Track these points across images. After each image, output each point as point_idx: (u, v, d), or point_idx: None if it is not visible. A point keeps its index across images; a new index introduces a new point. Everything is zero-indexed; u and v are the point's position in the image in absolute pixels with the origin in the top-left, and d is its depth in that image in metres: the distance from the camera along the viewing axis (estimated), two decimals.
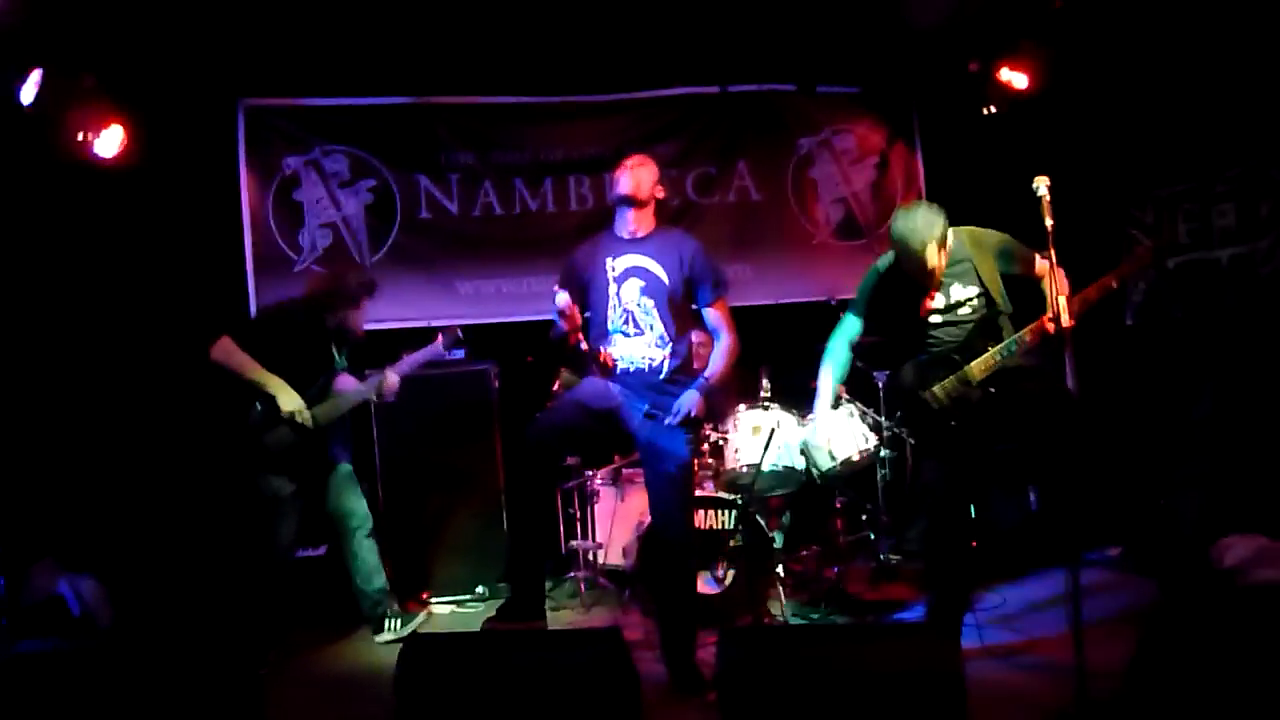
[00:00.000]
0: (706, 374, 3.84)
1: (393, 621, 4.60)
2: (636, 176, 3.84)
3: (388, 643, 4.54)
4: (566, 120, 6.14)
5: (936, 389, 3.76)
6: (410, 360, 4.58)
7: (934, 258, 3.61)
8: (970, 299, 3.73)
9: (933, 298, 3.78)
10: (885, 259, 3.89)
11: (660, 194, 3.94)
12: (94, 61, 4.92)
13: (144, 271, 5.43)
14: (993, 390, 3.69)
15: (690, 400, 3.75)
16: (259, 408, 4.42)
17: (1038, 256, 3.62)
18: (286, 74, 5.69)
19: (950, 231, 3.67)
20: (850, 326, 4.00)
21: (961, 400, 3.72)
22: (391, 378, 4.53)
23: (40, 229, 5.19)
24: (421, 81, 5.90)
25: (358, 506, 4.62)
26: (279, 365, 4.41)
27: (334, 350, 4.61)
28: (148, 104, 5.28)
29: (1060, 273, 3.33)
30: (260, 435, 4.41)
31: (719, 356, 3.89)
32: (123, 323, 5.38)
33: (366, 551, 4.60)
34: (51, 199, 5.20)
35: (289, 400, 4.36)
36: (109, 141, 5.06)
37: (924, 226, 3.59)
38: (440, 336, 4.56)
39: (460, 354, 5.28)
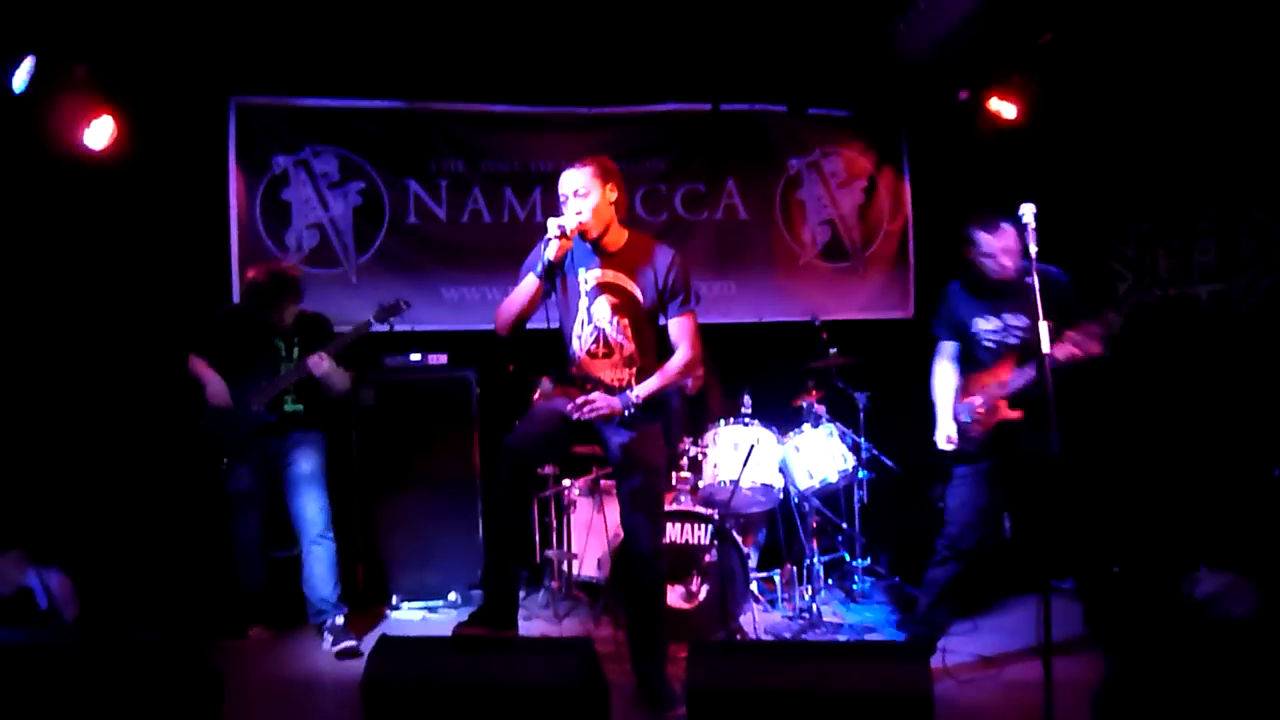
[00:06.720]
0: (642, 386, 3.69)
1: (330, 635, 4.49)
2: (580, 207, 3.67)
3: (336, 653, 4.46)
4: (558, 131, 6.15)
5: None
6: (338, 341, 4.57)
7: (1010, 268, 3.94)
8: (1018, 326, 3.98)
9: (988, 317, 4.07)
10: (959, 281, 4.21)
11: (614, 195, 3.71)
12: (87, 52, 4.91)
13: (127, 265, 5.41)
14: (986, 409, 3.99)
15: (603, 400, 3.64)
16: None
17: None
18: (280, 73, 5.69)
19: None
20: (946, 349, 4.29)
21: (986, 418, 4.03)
22: (313, 360, 4.46)
23: (25, 217, 5.15)
24: (415, 86, 5.90)
25: (310, 510, 4.56)
26: (231, 362, 4.60)
27: (279, 342, 4.63)
28: (139, 97, 5.27)
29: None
30: (213, 429, 4.55)
31: (667, 369, 3.72)
32: (101, 317, 5.35)
33: (315, 559, 4.55)
34: (39, 188, 5.16)
35: (212, 393, 4.55)
36: (99, 133, 5.06)
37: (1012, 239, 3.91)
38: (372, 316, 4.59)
39: (440, 360, 5.28)
